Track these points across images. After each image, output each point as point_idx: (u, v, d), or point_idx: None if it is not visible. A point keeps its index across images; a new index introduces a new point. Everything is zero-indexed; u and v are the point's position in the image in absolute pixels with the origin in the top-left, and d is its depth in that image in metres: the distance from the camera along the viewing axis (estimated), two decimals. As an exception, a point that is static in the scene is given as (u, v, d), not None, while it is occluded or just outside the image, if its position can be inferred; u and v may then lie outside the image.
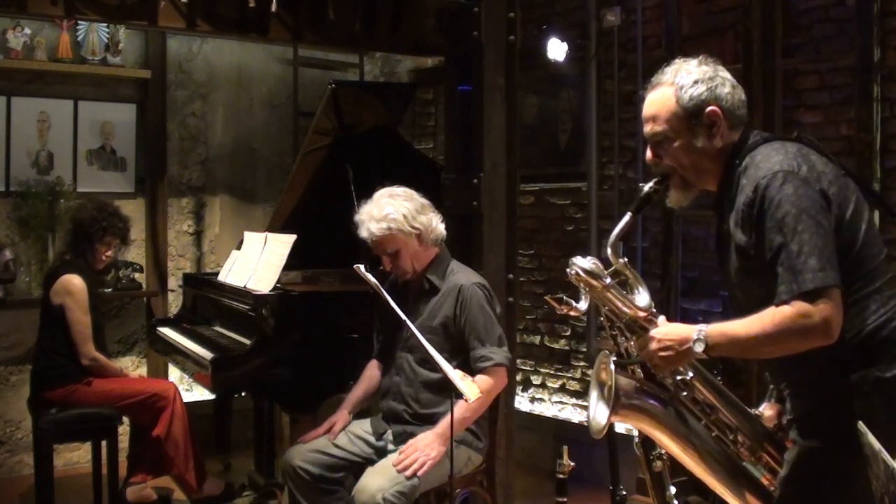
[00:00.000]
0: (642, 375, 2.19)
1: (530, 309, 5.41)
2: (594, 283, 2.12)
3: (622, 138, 4.90)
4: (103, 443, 4.16)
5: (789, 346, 1.92)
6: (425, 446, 2.99)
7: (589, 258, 2.16)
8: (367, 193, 3.24)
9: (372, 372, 3.40)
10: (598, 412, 2.15)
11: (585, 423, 4.88)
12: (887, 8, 3.81)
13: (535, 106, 5.41)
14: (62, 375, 4.05)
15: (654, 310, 2.13)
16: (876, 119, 3.81)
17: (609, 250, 2.14)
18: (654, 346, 2.05)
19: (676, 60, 2.15)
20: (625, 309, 2.12)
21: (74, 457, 5.08)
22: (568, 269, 2.15)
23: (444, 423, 3.00)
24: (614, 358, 2.16)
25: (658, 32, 4.71)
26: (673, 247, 4.55)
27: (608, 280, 2.12)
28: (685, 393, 2.14)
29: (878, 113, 3.82)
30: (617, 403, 2.08)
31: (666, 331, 2.06)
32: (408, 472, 2.93)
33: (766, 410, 2.23)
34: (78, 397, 4.03)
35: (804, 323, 1.86)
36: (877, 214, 3.32)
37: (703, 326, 2.00)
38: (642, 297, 2.13)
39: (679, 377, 2.13)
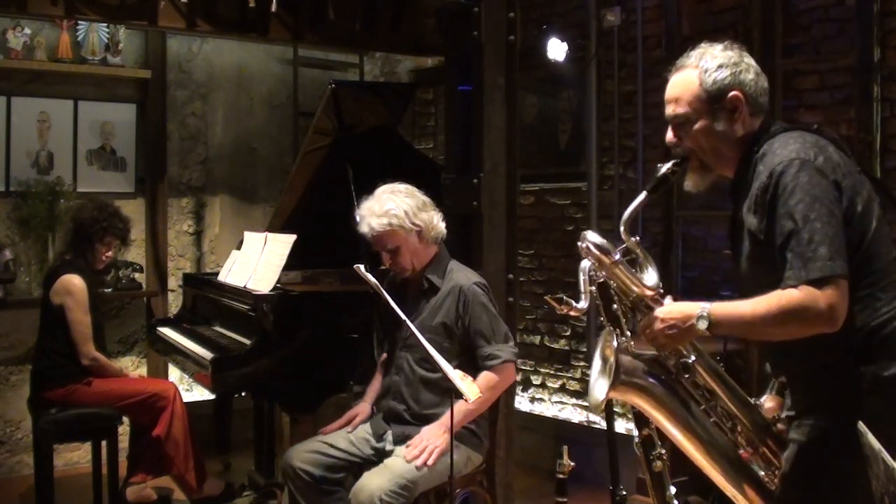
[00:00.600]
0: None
1: (530, 309, 5.41)
2: (604, 258, 2.12)
3: (622, 138, 4.90)
4: (103, 443, 4.16)
5: (792, 330, 1.92)
6: (433, 436, 3.03)
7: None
8: (367, 193, 3.24)
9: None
10: (597, 387, 2.16)
11: (586, 423, 4.89)
12: (887, 8, 3.82)
13: (535, 106, 5.41)
14: (62, 375, 4.05)
15: (662, 290, 2.13)
16: (876, 119, 3.82)
17: (621, 227, 2.15)
18: (658, 325, 2.06)
19: (702, 44, 2.16)
20: (633, 287, 2.13)
21: (74, 457, 5.07)
22: (579, 243, 2.15)
23: (448, 414, 3.01)
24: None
25: (658, 32, 4.71)
26: (673, 247, 4.55)
27: (617, 256, 2.12)
28: (686, 376, 2.14)
29: (878, 113, 3.82)
30: (616, 379, 2.08)
31: (669, 309, 2.07)
32: (418, 463, 2.96)
33: (767, 402, 2.23)
34: (78, 397, 4.03)
35: (810, 308, 1.86)
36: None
37: (706, 304, 2.00)
38: (651, 277, 2.14)
39: (681, 360, 2.13)
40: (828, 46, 4.05)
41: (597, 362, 2.19)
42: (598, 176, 4.91)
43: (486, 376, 3.09)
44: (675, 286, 4.54)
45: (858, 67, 3.87)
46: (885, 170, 3.84)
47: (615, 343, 2.12)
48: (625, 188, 4.87)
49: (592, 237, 2.14)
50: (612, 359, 2.10)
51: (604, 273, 2.15)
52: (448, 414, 3.00)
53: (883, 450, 1.75)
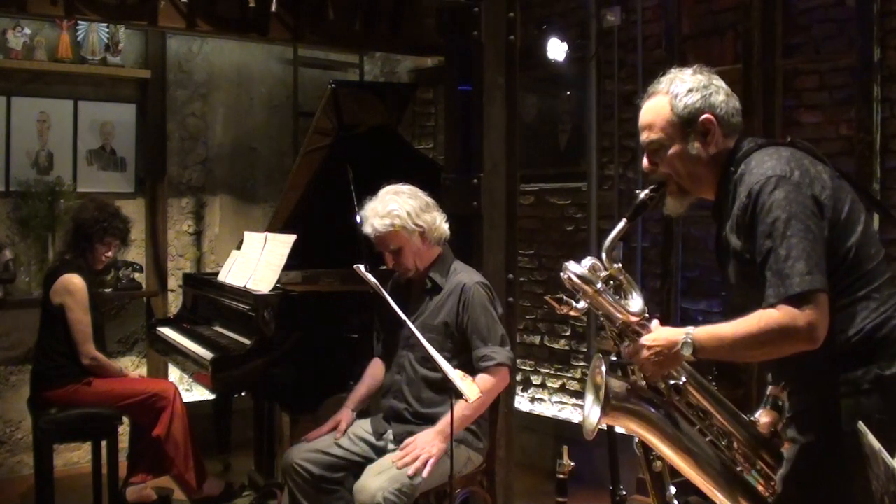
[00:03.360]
0: (638, 378, 2.19)
1: (530, 309, 5.41)
2: (586, 288, 2.13)
3: (622, 138, 4.90)
4: (103, 443, 4.16)
5: (774, 350, 1.94)
6: (426, 443, 2.99)
7: (587, 259, 2.18)
8: (367, 193, 3.24)
9: (374, 370, 3.39)
10: (591, 414, 2.17)
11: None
12: (887, 8, 3.82)
13: (535, 106, 5.41)
14: (62, 375, 4.05)
15: (647, 315, 2.14)
16: (876, 119, 3.82)
17: (604, 255, 2.17)
18: (644, 353, 2.07)
19: (672, 70, 2.18)
20: (617, 314, 2.14)
21: (74, 457, 5.08)
22: (561, 274, 2.17)
23: (444, 420, 3.00)
24: (612, 358, 2.17)
25: (658, 32, 4.71)
26: (673, 247, 4.55)
27: (599, 286, 2.13)
28: (678, 397, 2.15)
29: (878, 113, 3.82)
30: (607, 405, 2.09)
31: (654, 336, 2.08)
32: (410, 471, 2.91)
33: (762, 417, 2.23)
34: (78, 397, 4.03)
35: (789, 326, 1.88)
36: (876, 217, 3.33)
37: (690, 329, 2.02)
38: (635, 303, 2.15)
39: (672, 382, 2.14)
40: (828, 46, 4.05)
41: (588, 391, 2.20)
42: (598, 176, 4.91)
43: (480, 378, 3.05)
44: (675, 286, 4.55)
45: (858, 67, 3.87)
46: (886, 170, 3.84)
47: (603, 367, 2.13)
48: (625, 188, 4.87)
49: (573, 268, 2.15)
50: (602, 385, 2.11)
51: (588, 302, 2.15)
52: (444, 421, 2.99)
53: (883, 450, 1.75)
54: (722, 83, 2.15)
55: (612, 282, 2.17)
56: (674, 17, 4.57)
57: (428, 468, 2.94)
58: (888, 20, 3.82)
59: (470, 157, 3.82)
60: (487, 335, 3.11)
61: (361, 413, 3.41)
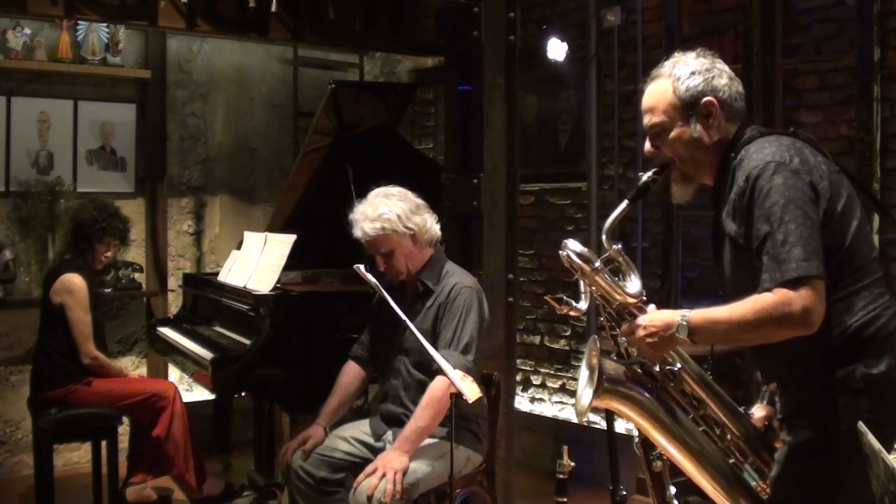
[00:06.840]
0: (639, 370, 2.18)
1: (530, 309, 5.41)
2: (585, 266, 2.12)
3: (622, 138, 4.90)
4: (103, 443, 4.15)
5: (769, 334, 1.92)
6: (388, 461, 2.92)
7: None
8: (367, 193, 3.24)
9: (346, 378, 3.35)
10: (583, 395, 2.15)
11: (586, 423, 4.89)
12: (887, 8, 3.82)
13: (535, 106, 5.41)
14: (62, 375, 4.05)
15: (645, 297, 2.13)
16: (876, 119, 3.82)
17: (603, 236, 2.15)
18: (640, 333, 2.06)
19: (675, 53, 2.18)
20: (615, 295, 2.12)
21: (74, 457, 5.07)
22: (560, 251, 2.15)
23: (402, 436, 2.97)
24: (614, 357, 2.17)
25: (658, 32, 4.71)
26: (673, 247, 4.55)
27: (598, 264, 2.11)
28: (672, 384, 2.14)
29: (878, 113, 3.82)
30: (600, 387, 2.07)
31: (651, 317, 2.07)
32: (386, 499, 2.83)
33: (758, 411, 2.23)
34: (78, 397, 4.03)
35: (784, 310, 1.86)
36: (877, 217, 3.33)
37: (686, 312, 2.00)
38: (633, 285, 2.14)
39: (667, 367, 2.13)
40: (828, 46, 4.06)
41: (583, 371, 2.19)
42: (598, 176, 4.91)
43: (432, 385, 2.97)
44: (675, 286, 4.55)
45: (858, 67, 3.87)
46: (886, 170, 3.84)
47: (598, 343, 2.12)
48: (625, 188, 4.87)
49: (573, 245, 2.14)
50: (596, 367, 2.10)
51: (586, 281, 2.14)
52: (401, 437, 2.97)
53: (883, 450, 1.75)
54: (725, 67, 2.14)
55: (611, 263, 2.15)
56: (674, 17, 4.57)
57: (399, 485, 2.87)
58: (888, 20, 3.82)
59: (470, 157, 3.82)
60: (452, 337, 3.05)
61: (361, 415, 3.40)
